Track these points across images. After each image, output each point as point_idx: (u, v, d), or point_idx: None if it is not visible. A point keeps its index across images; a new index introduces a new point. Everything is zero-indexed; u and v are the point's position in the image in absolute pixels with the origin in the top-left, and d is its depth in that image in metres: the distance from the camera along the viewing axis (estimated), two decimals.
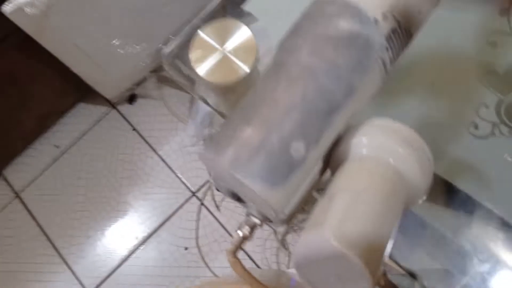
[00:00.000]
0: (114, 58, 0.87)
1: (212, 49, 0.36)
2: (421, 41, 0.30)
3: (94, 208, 0.99)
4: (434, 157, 0.31)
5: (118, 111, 1.05)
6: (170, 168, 0.98)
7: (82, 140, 1.05)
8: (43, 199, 1.02)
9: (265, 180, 0.23)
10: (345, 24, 0.26)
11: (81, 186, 1.01)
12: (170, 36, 0.94)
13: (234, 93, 0.37)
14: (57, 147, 1.05)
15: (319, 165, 0.27)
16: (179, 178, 0.97)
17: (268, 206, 0.24)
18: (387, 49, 0.26)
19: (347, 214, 0.22)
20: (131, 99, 1.04)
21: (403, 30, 0.27)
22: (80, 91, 0.99)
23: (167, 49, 1.02)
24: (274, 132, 0.24)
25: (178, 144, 1.00)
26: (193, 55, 0.36)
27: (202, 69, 0.35)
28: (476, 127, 0.32)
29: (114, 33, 0.84)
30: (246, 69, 0.35)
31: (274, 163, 0.24)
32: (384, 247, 0.23)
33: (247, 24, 0.37)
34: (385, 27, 0.26)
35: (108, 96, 0.98)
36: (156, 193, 0.98)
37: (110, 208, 0.98)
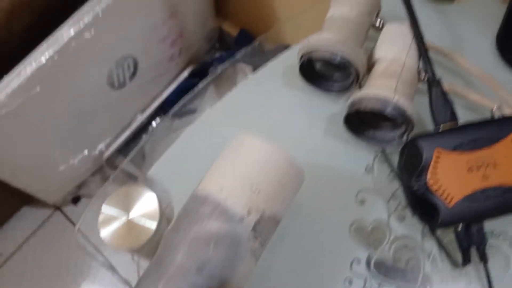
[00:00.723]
0: (55, 169, 0.89)
1: (117, 216, 0.39)
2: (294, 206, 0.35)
3: None
4: None
5: (62, 212, 1.05)
6: (115, 269, 0.98)
7: (26, 245, 1.03)
8: None
9: None
10: (215, 225, 0.30)
11: None
12: (110, 138, 0.98)
13: (142, 254, 0.41)
14: (0, 254, 1.03)
15: None
16: (124, 279, 0.97)
17: None
18: (255, 237, 0.31)
19: None
20: (75, 200, 1.05)
21: (268, 219, 0.32)
22: (22, 198, 1.00)
23: (107, 153, 1.05)
24: None
25: None
26: (100, 223, 0.39)
27: (107, 235, 0.39)
28: (350, 282, 0.36)
29: (54, 145, 0.86)
30: (150, 232, 0.39)
31: None
32: None
33: (153, 189, 0.41)
34: (251, 220, 0.31)
35: (51, 202, 0.99)
36: None
37: None
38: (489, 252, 0.34)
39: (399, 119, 0.35)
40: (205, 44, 1.09)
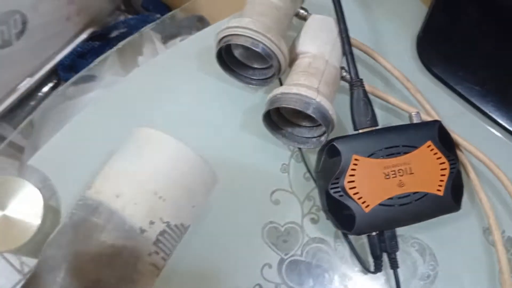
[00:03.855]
0: None
1: None
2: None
3: None
4: None
5: None
6: None
7: None
8: None
9: None
10: (108, 238, 0.25)
11: None
12: None
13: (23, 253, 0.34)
14: None
15: None
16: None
17: None
18: (157, 253, 0.27)
19: None
20: None
21: (175, 228, 0.28)
22: None
23: None
24: None
25: None
26: None
27: None
28: None
29: None
30: (31, 230, 0.32)
31: None
32: None
33: (34, 179, 0.34)
34: (154, 231, 0.26)
35: None
36: None
37: None
38: (399, 257, 0.35)
39: (320, 120, 0.33)
40: (108, 4, 0.98)
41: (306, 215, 0.36)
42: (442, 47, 0.44)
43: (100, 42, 0.85)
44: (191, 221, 0.29)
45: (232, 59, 0.37)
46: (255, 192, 0.37)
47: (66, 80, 0.44)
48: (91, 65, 0.41)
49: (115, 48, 0.42)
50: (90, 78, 0.42)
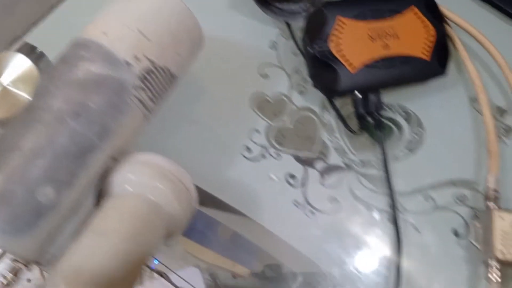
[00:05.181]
0: None
1: None
2: (197, 72, 0.33)
3: None
4: (209, 179, 0.34)
5: None
6: None
7: None
8: None
9: (5, 231, 0.23)
10: (95, 68, 0.27)
11: None
12: None
13: None
14: None
15: (90, 200, 0.27)
16: None
17: (18, 255, 0.24)
18: (143, 89, 0.28)
19: (85, 258, 0.23)
20: None
21: (161, 70, 0.29)
22: None
23: None
24: (17, 180, 0.24)
25: None
26: None
27: None
28: (249, 150, 0.35)
29: None
30: (28, 98, 0.34)
31: (17, 212, 0.24)
32: (131, 282, 0.24)
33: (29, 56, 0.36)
34: (138, 68, 0.28)
35: None
36: None
37: None
38: (385, 123, 0.36)
39: None
40: None
41: (294, 86, 0.37)
42: None
43: None
44: (177, 69, 0.30)
45: None
46: (244, 67, 0.38)
47: None
48: None
49: None
50: None
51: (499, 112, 0.37)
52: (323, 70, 0.34)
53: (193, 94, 0.37)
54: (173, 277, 0.36)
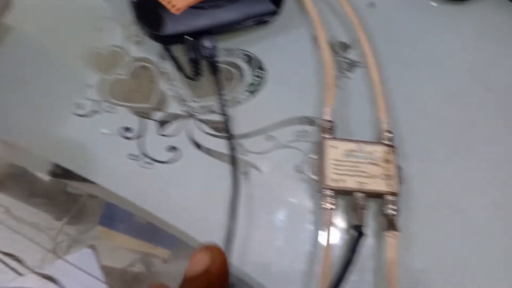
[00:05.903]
0: None
1: None
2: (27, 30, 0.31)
3: None
4: (41, 141, 0.32)
5: None
6: None
7: None
8: None
9: None
10: None
11: None
12: None
13: None
14: None
15: None
16: None
17: None
18: None
19: None
20: None
21: None
22: None
23: None
24: None
25: None
26: None
27: None
28: (81, 107, 0.33)
29: None
30: None
31: None
32: None
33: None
34: None
35: None
36: None
37: None
38: (222, 67, 0.35)
39: None
40: None
41: (130, 38, 0.36)
42: None
43: None
44: None
45: None
46: (77, 21, 0.36)
47: None
48: None
49: None
50: None
51: (343, 47, 0.37)
52: (147, 15, 0.33)
53: (22, 54, 0.35)
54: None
